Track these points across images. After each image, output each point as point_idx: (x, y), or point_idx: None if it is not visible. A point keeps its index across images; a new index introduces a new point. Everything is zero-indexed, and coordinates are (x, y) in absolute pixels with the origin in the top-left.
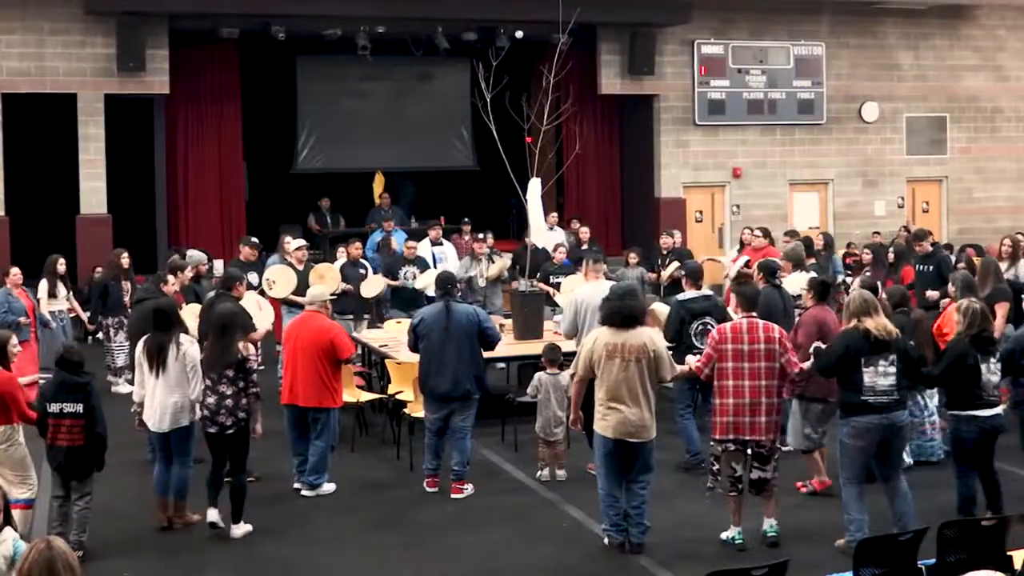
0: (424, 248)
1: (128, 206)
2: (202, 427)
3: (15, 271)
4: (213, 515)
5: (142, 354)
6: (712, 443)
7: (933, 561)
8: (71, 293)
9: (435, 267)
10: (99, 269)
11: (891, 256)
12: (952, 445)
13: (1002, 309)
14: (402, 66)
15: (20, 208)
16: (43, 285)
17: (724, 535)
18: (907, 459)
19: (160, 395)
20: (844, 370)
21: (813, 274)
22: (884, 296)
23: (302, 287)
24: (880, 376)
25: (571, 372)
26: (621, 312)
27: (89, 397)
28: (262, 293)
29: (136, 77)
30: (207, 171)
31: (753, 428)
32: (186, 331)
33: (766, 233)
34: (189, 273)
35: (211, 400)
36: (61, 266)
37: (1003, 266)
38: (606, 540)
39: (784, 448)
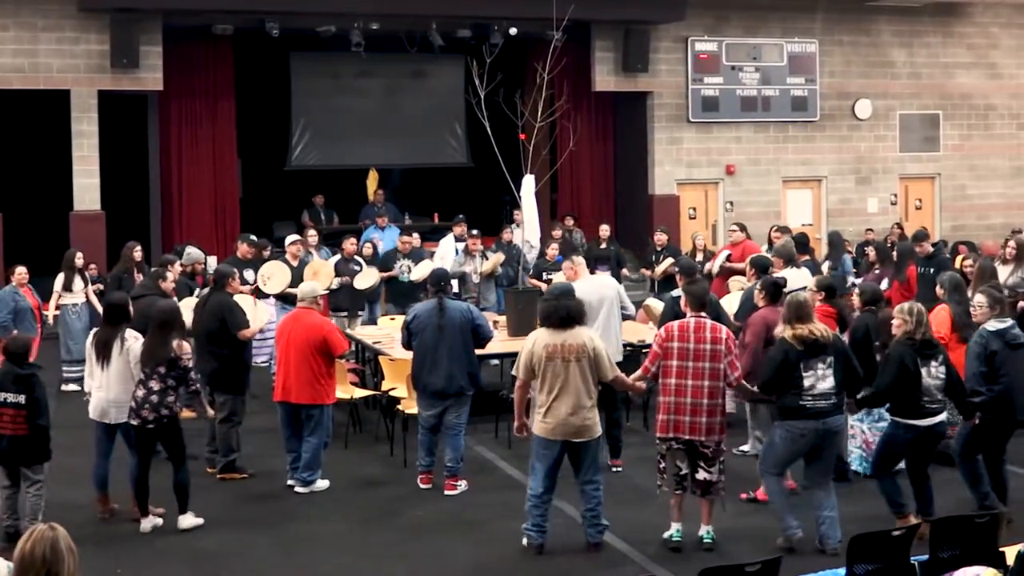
0: (449, 244)
1: (122, 203)
2: (127, 419)
3: (21, 270)
4: (147, 524)
5: (91, 346)
6: (657, 441)
7: (926, 557)
8: (88, 286)
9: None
10: (93, 266)
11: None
12: (881, 444)
13: None
14: (396, 63)
15: (13, 205)
16: (59, 279)
17: (665, 534)
18: (857, 466)
19: (104, 388)
20: (785, 377)
21: (805, 270)
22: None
23: (296, 283)
24: (819, 379)
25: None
26: (558, 312)
27: (33, 389)
28: (258, 290)
29: (130, 74)
30: (201, 168)
31: (693, 428)
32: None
33: (742, 227)
34: (178, 268)
35: (139, 394)
36: (79, 260)
37: (1007, 269)
38: (525, 541)
39: (743, 451)
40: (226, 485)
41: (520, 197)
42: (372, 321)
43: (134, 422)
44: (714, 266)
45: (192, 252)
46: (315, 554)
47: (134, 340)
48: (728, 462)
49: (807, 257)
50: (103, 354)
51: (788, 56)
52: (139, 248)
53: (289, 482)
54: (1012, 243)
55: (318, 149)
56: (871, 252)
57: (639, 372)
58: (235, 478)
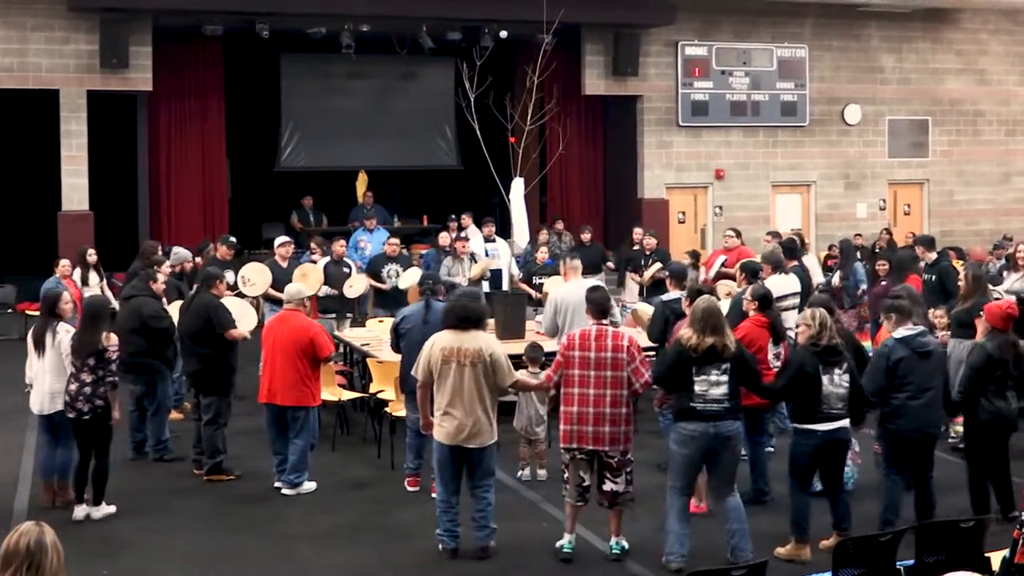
0: (477, 245)
1: (110, 203)
2: (64, 411)
3: (65, 262)
4: (79, 512)
5: (30, 338)
6: (561, 451)
7: (912, 562)
8: (104, 281)
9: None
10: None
11: (886, 264)
12: (789, 458)
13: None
14: (386, 65)
15: (1, 204)
16: (77, 273)
17: (558, 543)
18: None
19: (40, 379)
20: (677, 378)
21: (793, 276)
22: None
23: (286, 284)
24: (712, 385)
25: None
26: (455, 312)
27: None
28: (239, 292)
29: (119, 74)
30: (190, 168)
31: (596, 438)
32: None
33: (737, 233)
34: (167, 269)
35: (72, 387)
36: (91, 256)
37: (1017, 275)
38: (440, 546)
39: None
40: (213, 487)
41: (509, 200)
42: (362, 319)
43: (70, 415)
44: (710, 272)
45: (179, 252)
46: (302, 556)
47: (65, 333)
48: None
49: (796, 263)
50: (38, 346)
51: (778, 61)
52: (160, 248)
53: (276, 484)
54: (1023, 248)
55: (307, 150)
56: (881, 265)
57: (543, 381)
58: (222, 480)
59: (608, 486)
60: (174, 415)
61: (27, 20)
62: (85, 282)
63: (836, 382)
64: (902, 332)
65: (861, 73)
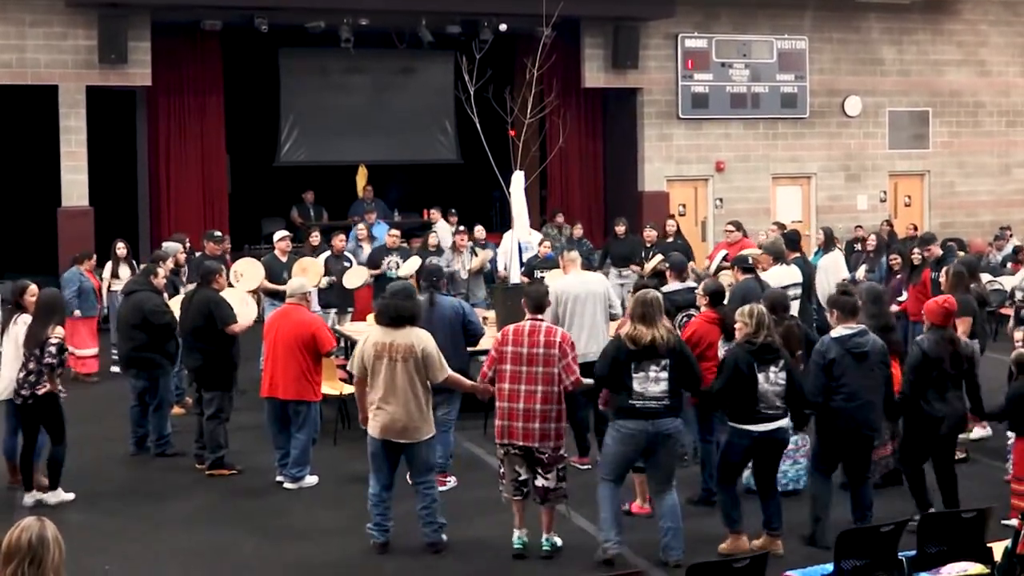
0: (445, 238)
1: (110, 199)
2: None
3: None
4: (28, 499)
5: None
6: (496, 446)
7: (914, 553)
8: (134, 274)
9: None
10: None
11: (899, 259)
12: (720, 453)
13: (963, 324)
14: (385, 59)
15: (1, 200)
16: (108, 267)
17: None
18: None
19: (5, 366)
20: (616, 375)
21: (795, 267)
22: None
23: (286, 279)
24: (651, 383)
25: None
26: (387, 311)
27: None
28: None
29: (118, 69)
30: (189, 164)
31: (527, 434)
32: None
33: (738, 226)
34: (170, 264)
35: (20, 375)
36: (120, 250)
37: None
38: (371, 541)
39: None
40: (215, 481)
41: (509, 193)
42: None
43: (17, 401)
44: (712, 265)
45: (170, 245)
46: (304, 550)
47: (23, 324)
48: None
49: (797, 254)
50: (1, 334)
51: (778, 53)
52: (187, 241)
53: (278, 478)
54: None
55: (307, 145)
56: (893, 259)
57: (479, 377)
58: (223, 474)
59: (540, 482)
60: (175, 410)
61: (25, 16)
62: (116, 275)
63: (772, 380)
64: (840, 331)
65: (861, 65)
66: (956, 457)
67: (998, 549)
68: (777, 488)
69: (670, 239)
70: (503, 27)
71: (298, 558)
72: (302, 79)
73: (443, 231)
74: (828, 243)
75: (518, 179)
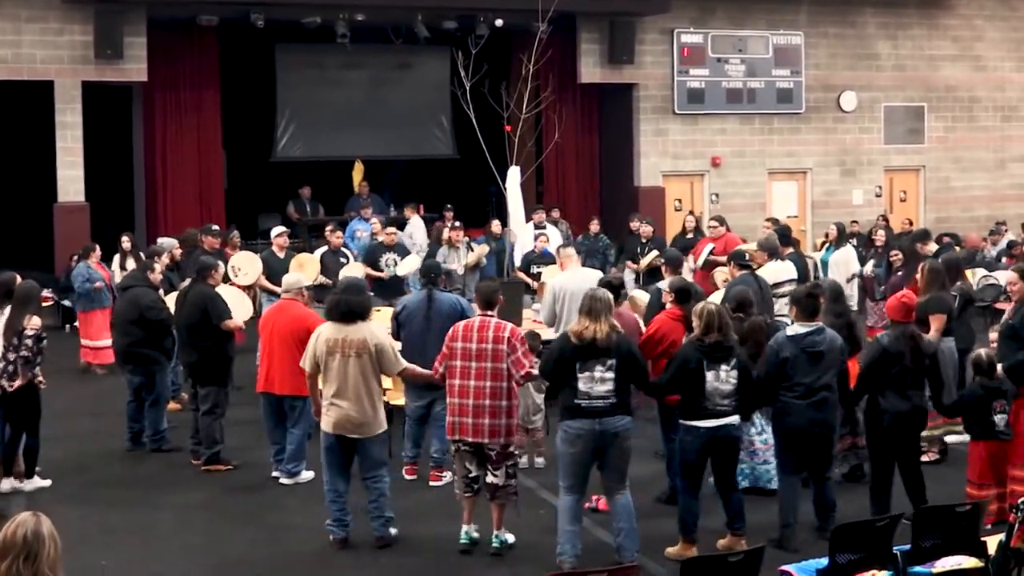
0: (420, 236)
1: (106, 194)
2: None
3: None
4: (6, 485)
5: None
6: (448, 442)
7: (908, 546)
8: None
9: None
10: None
11: (900, 255)
12: (678, 457)
13: (936, 322)
14: (382, 54)
15: None
16: (116, 259)
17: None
18: (742, 482)
19: None
20: (561, 374)
21: (789, 263)
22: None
23: (283, 274)
24: (596, 382)
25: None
26: (339, 307)
27: None
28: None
29: (114, 65)
30: (186, 159)
31: (476, 430)
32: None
33: (721, 221)
34: (166, 259)
35: (0, 365)
36: (126, 243)
37: None
38: (331, 537)
39: None
40: (211, 477)
41: (506, 189)
42: None
43: None
44: (699, 260)
45: (164, 242)
46: (301, 545)
47: (3, 316)
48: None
49: (791, 250)
50: None
51: (773, 48)
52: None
53: (274, 473)
54: None
55: (303, 141)
56: (895, 255)
57: (430, 372)
58: (219, 470)
59: (490, 478)
60: (171, 406)
61: (21, 11)
62: (124, 267)
63: (722, 378)
64: (795, 329)
65: (857, 60)
66: (931, 458)
67: (992, 542)
68: (738, 487)
69: (689, 235)
70: (499, 22)
71: (294, 553)
72: (298, 74)
73: (417, 228)
74: (840, 238)
75: (514, 174)
